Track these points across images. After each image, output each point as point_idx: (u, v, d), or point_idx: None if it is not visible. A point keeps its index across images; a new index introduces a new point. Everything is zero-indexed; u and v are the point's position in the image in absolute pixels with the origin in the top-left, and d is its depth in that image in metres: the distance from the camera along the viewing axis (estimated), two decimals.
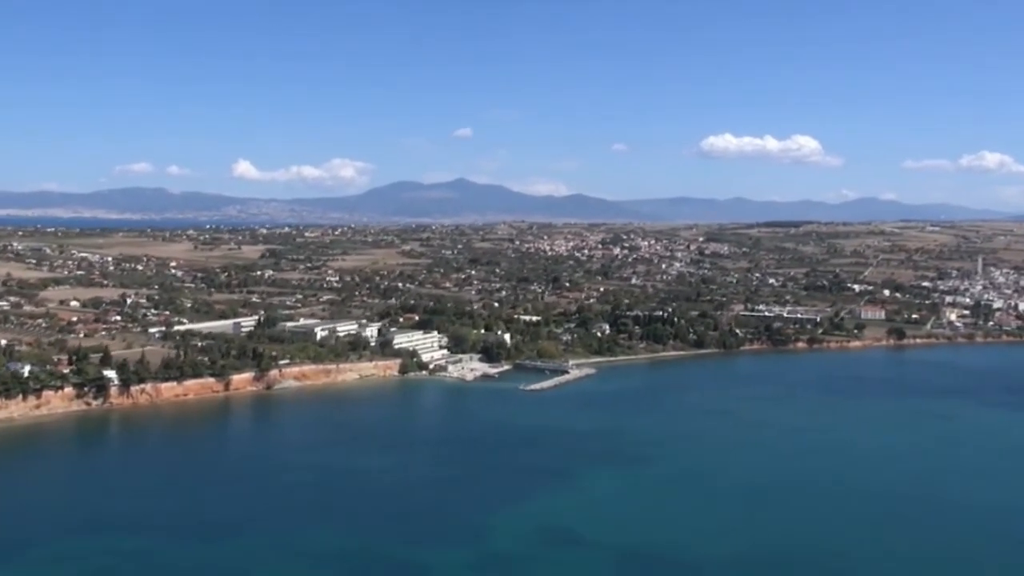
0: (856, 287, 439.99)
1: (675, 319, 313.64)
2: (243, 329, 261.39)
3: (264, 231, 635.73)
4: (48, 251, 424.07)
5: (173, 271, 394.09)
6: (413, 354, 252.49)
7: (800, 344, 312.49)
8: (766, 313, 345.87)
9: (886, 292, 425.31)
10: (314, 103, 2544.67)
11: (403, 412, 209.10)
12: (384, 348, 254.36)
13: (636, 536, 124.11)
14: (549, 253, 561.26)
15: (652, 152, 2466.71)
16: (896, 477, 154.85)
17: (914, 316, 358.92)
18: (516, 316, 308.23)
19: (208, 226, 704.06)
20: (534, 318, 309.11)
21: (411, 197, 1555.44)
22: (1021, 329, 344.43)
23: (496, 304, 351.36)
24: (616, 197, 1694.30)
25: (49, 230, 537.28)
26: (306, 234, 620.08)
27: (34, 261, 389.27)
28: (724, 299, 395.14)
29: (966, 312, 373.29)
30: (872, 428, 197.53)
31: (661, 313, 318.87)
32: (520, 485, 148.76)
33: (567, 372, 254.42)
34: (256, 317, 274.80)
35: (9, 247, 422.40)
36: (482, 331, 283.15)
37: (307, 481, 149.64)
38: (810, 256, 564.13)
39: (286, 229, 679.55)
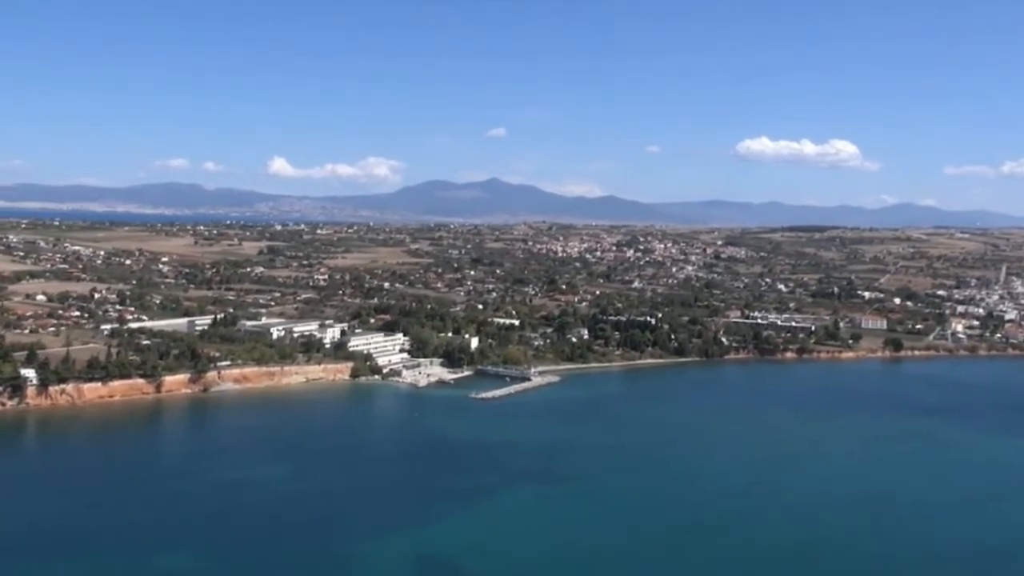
0: (866, 295, 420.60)
1: (658, 325, 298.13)
2: (197, 328, 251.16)
3: (278, 227, 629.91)
4: (43, 244, 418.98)
5: (162, 266, 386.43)
6: (368, 357, 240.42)
7: (789, 354, 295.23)
8: (759, 320, 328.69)
9: (896, 300, 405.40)
10: (350, 102, 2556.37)
11: (334, 419, 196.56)
12: (338, 351, 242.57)
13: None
14: (560, 254, 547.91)
15: (686, 155, 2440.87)
16: (831, 513, 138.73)
17: (917, 326, 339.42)
18: (490, 319, 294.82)
19: (239, 222, 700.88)
20: (510, 321, 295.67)
21: (443, 196, 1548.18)
22: None
23: (480, 306, 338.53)
24: (649, 199, 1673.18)
25: (55, 223, 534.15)
26: (318, 231, 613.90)
27: (22, 254, 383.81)
28: (722, 305, 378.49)
29: (975, 323, 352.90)
30: (831, 448, 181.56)
31: (643, 319, 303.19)
32: (419, 507, 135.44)
33: (528, 379, 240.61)
34: (213, 316, 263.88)
35: (3, 239, 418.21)
36: (449, 334, 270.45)
37: (189, 494, 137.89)
38: (828, 262, 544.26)
39: (301, 226, 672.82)
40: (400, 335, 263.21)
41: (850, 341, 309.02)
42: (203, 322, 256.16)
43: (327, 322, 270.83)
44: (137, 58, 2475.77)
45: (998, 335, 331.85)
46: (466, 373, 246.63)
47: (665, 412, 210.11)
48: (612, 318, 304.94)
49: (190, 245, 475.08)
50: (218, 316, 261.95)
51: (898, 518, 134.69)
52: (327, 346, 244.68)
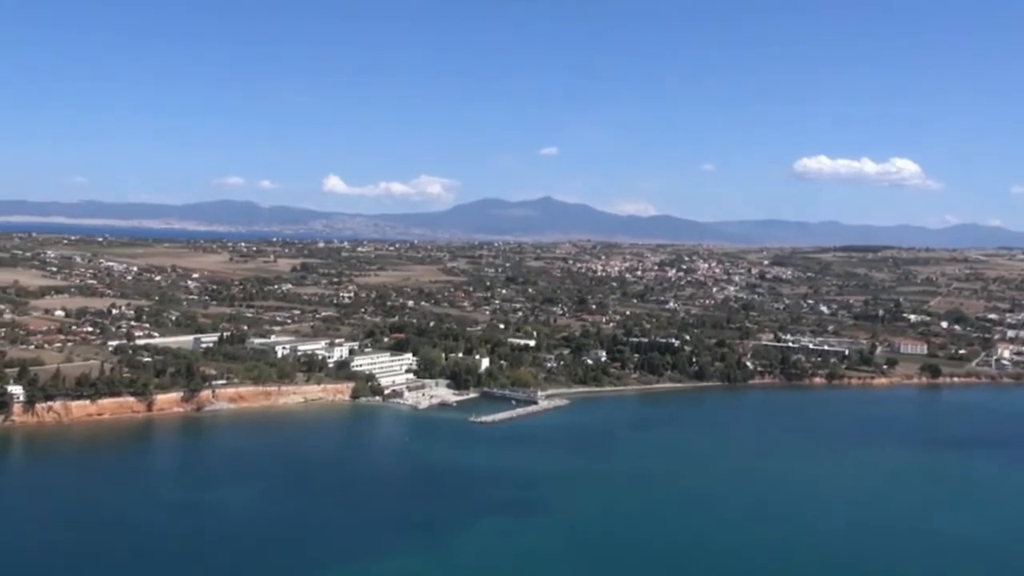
0: (912, 317, 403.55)
1: (679, 348, 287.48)
2: (203, 345, 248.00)
3: (321, 244, 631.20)
4: (78, 260, 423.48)
5: (190, 283, 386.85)
6: (370, 378, 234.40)
7: (817, 379, 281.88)
8: (789, 344, 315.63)
9: (944, 324, 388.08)
10: (404, 120, 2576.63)
11: (321, 442, 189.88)
12: (340, 370, 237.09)
13: None
14: (599, 273, 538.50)
15: (742, 173, 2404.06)
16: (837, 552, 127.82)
17: (960, 351, 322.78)
18: (505, 340, 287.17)
19: (284, 239, 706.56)
20: (525, 342, 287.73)
21: (495, 214, 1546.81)
22: None
23: (502, 325, 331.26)
24: (704, 218, 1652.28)
25: (98, 239, 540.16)
26: (359, 248, 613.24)
27: (54, 269, 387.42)
28: (755, 327, 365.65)
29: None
30: (843, 483, 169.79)
31: (664, 341, 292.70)
32: (377, 537, 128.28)
33: (535, 403, 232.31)
34: (220, 333, 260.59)
35: (41, 255, 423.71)
36: (460, 355, 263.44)
37: (142, 516, 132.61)
38: (878, 283, 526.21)
39: (343, 243, 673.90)
40: (408, 355, 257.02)
41: (884, 366, 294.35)
42: (209, 339, 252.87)
43: (337, 341, 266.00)
44: (196, 80, 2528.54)
45: None
46: (472, 395, 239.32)
47: (671, 440, 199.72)
48: (634, 339, 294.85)
49: (225, 262, 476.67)
50: (224, 334, 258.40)
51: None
52: (330, 365, 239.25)
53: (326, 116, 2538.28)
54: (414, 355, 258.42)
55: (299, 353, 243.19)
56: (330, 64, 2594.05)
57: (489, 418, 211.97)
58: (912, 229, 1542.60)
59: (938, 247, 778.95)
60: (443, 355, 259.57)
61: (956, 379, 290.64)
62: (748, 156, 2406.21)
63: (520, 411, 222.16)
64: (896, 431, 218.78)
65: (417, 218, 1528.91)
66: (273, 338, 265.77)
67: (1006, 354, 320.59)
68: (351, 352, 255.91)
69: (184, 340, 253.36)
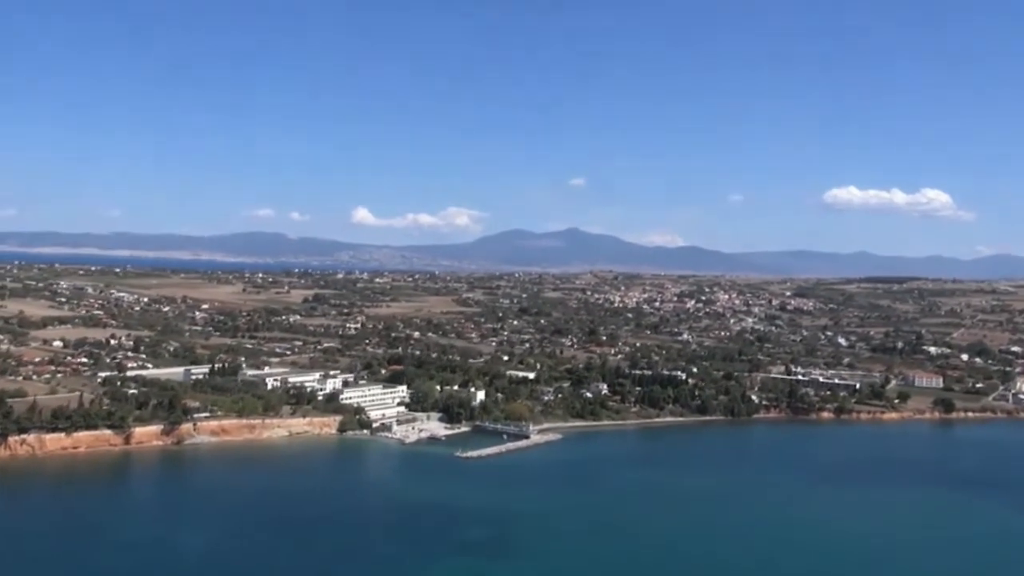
0: (932, 350, 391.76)
1: (683, 381, 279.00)
2: (193, 376, 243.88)
3: (340, 276, 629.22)
4: (90, 290, 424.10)
5: (198, 314, 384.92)
6: (358, 411, 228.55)
7: (825, 414, 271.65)
8: (799, 377, 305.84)
9: (964, 356, 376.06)
10: (432, 152, 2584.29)
11: (297, 477, 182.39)
12: (329, 403, 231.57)
13: None
14: (616, 304, 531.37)
15: (771, 204, 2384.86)
16: None
17: (978, 385, 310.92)
18: (504, 372, 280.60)
19: (304, 270, 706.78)
20: (524, 374, 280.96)
21: (522, 245, 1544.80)
22: None
23: (506, 357, 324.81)
24: (733, 249, 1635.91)
25: (115, 270, 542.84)
26: (377, 279, 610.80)
27: (64, 299, 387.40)
28: (767, 359, 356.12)
29: None
30: (834, 523, 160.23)
31: (667, 373, 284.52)
32: None
33: (527, 437, 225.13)
34: (211, 365, 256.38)
35: (53, 285, 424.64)
36: (455, 387, 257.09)
37: (84, 554, 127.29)
38: (901, 315, 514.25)
39: (363, 274, 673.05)
40: (401, 388, 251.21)
41: (896, 400, 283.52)
42: (200, 371, 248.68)
43: (332, 372, 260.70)
44: (230, 113, 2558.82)
45: None
46: (463, 429, 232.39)
47: (658, 478, 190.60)
48: (637, 372, 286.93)
49: (238, 293, 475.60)
50: (216, 365, 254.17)
51: None
52: (319, 398, 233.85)
53: (356, 148, 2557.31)
54: (408, 387, 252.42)
55: (289, 385, 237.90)
56: (359, 96, 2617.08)
57: (476, 453, 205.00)
58: (944, 260, 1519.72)
59: (969, 278, 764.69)
60: (437, 388, 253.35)
61: (970, 414, 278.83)
62: (777, 187, 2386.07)
63: (510, 446, 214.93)
64: (898, 469, 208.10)
65: (444, 249, 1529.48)
66: (267, 369, 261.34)
67: None
68: (344, 384, 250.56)
69: (175, 372, 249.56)
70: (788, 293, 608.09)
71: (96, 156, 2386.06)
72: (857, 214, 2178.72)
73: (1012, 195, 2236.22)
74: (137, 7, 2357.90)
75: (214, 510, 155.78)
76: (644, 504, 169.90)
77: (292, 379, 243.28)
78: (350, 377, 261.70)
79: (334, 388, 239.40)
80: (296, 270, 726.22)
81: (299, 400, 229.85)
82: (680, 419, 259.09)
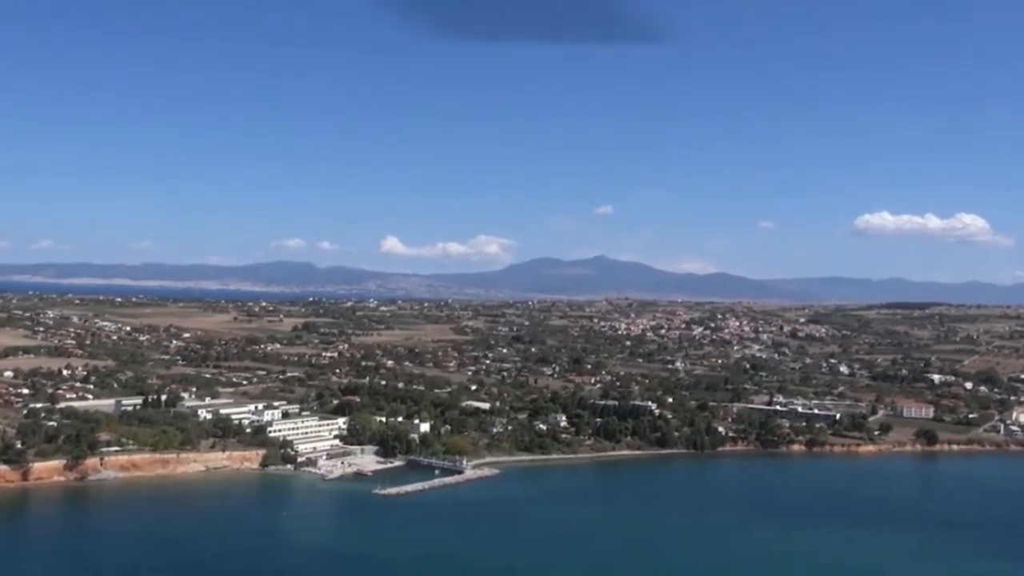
0: (936, 377, 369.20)
1: (647, 412, 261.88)
2: (124, 407, 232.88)
3: (348, 304, 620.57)
4: (75, 320, 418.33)
5: (175, 343, 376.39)
6: (284, 444, 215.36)
7: (796, 447, 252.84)
8: (777, 407, 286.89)
9: (968, 385, 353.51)
10: (462, 181, 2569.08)
11: (185, 518, 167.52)
12: (255, 436, 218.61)
13: None
14: (620, 332, 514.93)
15: (801, 230, 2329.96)
16: None
17: (971, 415, 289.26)
18: (457, 403, 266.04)
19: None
20: (479, 405, 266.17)
21: (550, 274, 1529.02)
22: None
23: (473, 387, 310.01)
24: (763, 276, 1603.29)
25: (117, 300, 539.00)
26: (382, 308, 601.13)
27: (42, 329, 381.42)
28: (753, 388, 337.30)
29: None
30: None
31: (628, 404, 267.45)
32: None
33: (460, 472, 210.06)
34: (145, 396, 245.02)
35: (39, 314, 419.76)
36: (400, 419, 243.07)
37: None
38: (915, 341, 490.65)
39: (371, 302, 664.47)
40: (340, 419, 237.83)
41: (876, 432, 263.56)
42: (132, 402, 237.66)
43: (275, 404, 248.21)
44: (259, 146, 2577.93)
45: None
46: (397, 463, 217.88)
47: (582, 517, 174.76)
48: (600, 403, 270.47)
49: (228, 321, 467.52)
50: (149, 397, 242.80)
51: None
52: (248, 431, 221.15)
53: (386, 178, 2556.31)
54: (348, 419, 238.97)
55: (222, 417, 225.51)
56: (390, 127, 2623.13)
57: (395, 490, 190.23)
58: (981, 286, 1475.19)
59: (1008, 304, 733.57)
60: (379, 419, 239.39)
61: (955, 447, 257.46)
62: (807, 213, 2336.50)
63: (436, 482, 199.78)
64: (854, 507, 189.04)
65: (472, 278, 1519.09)
66: (208, 400, 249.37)
67: (1023, 418, 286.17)
68: (284, 416, 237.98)
69: (107, 404, 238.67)
70: (802, 320, 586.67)
71: (128, 186, 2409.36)
72: (890, 239, 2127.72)
73: None
74: (167, 35, 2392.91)
75: (69, 554, 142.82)
76: (550, 547, 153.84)
77: (225, 411, 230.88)
78: (295, 408, 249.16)
79: (264, 420, 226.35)
80: (311, 298, 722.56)
81: (225, 433, 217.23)
82: (638, 452, 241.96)
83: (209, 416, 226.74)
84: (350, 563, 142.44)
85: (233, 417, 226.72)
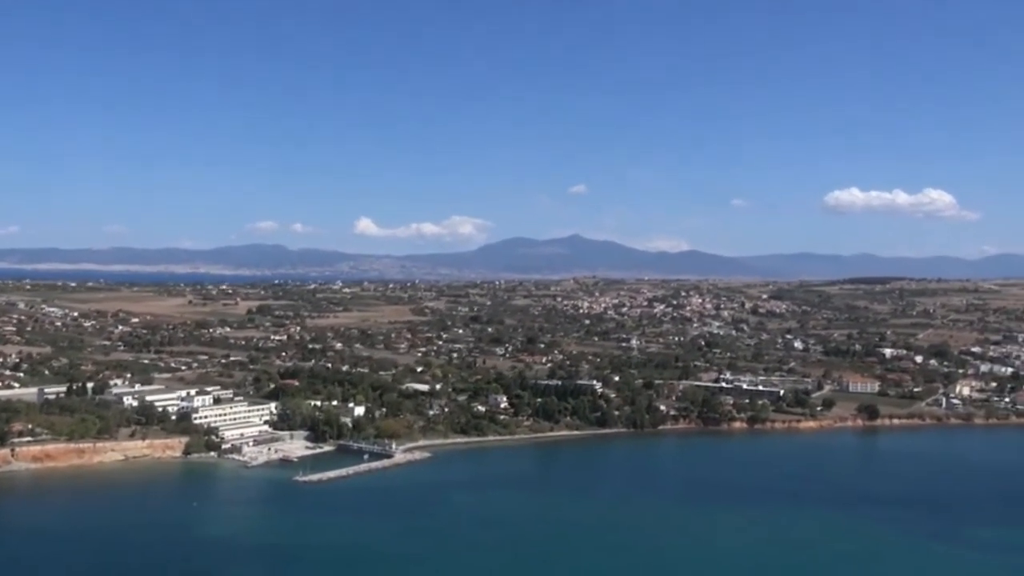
0: (888, 352, 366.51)
1: (589, 391, 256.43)
2: (46, 395, 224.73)
3: (312, 286, 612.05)
4: (21, 306, 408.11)
5: (121, 328, 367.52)
6: (209, 431, 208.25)
7: (738, 424, 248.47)
8: (723, 385, 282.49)
9: (919, 359, 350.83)
10: (436, 161, 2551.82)
11: (91, 509, 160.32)
12: (179, 423, 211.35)
13: None
14: (582, 310, 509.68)
15: (773, 207, 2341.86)
16: None
17: (916, 389, 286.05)
18: (396, 386, 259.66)
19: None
20: (418, 387, 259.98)
21: (524, 253, 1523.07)
22: None
23: (420, 368, 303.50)
24: (736, 253, 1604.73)
25: (72, 284, 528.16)
26: (345, 289, 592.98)
27: None
28: (703, 365, 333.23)
29: (993, 384, 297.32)
30: (681, 556, 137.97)
31: (570, 384, 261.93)
32: None
33: (390, 457, 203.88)
34: (69, 384, 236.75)
35: None
36: (334, 403, 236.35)
37: None
38: (872, 316, 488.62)
39: (337, 283, 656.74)
40: (270, 404, 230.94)
41: (819, 408, 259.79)
42: (56, 390, 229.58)
43: (208, 389, 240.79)
44: (232, 125, 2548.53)
45: (1006, 400, 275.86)
46: (327, 448, 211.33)
47: (504, 501, 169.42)
48: (541, 383, 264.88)
49: (183, 305, 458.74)
50: (74, 385, 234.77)
51: None
52: (173, 418, 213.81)
53: (358, 159, 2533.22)
54: (279, 404, 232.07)
55: (147, 404, 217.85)
56: (362, 107, 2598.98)
57: (316, 477, 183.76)
58: (949, 260, 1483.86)
59: (975, 278, 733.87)
60: (312, 404, 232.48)
61: (896, 421, 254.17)
62: (778, 190, 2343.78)
63: (361, 468, 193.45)
64: (789, 484, 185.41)
65: (446, 258, 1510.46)
66: (137, 387, 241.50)
67: (966, 391, 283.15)
68: (216, 401, 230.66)
69: (31, 392, 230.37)
70: (765, 296, 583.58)
71: (96, 171, 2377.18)
72: (860, 216, 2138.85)
73: (1016, 194, 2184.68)
74: (133, 19, 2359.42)
75: None
76: (463, 533, 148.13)
77: (151, 398, 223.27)
78: (229, 394, 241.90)
79: (189, 407, 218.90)
80: (277, 281, 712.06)
81: (148, 420, 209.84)
82: (577, 432, 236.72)
83: (136, 404, 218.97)
84: (251, 553, 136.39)
85: (160, 404, 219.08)
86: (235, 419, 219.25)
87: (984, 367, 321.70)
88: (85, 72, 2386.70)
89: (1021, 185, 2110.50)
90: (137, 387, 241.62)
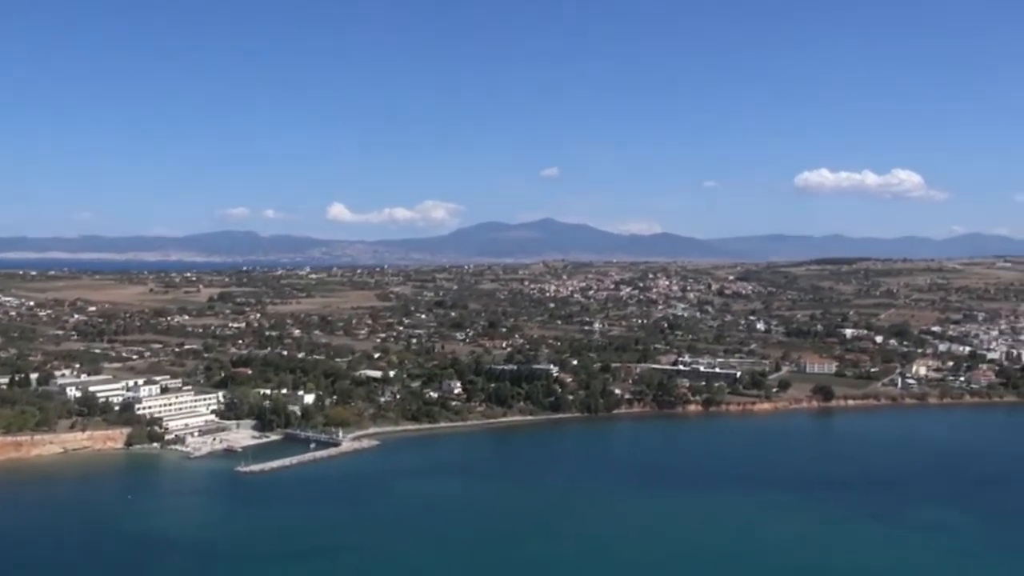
0: (848, 332, 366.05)
1: (544, 376, 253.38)
2: None
3: (280, 272, 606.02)
4: None
5: (78, 317, 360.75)
6: (152, 422, 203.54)
7: (693, 407, 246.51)
8: (680, 367, 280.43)
9: (879, 338, 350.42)
10: (408, 146, 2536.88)
11: (21, 505, 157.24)
12: (122, 414, 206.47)
13: None
14: (548, 294, 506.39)
15: (744, 189, 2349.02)
16: None
17: (873, 370, 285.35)
18: (349, 373, 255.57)
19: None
20: (372, 374, 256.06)
21: (496, 237, 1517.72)
22: (991, 389, 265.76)
23: (377, 355, 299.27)
24: (709, 235, 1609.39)
25: (33, 273, 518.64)
26: (312, 275, 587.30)
27: None
28: (664, 348, 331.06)
29: (950, 364, 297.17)
30: (617, 545, 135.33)
31: (525, 368, 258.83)
32: None
33: (337, 445, 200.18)
34: (11, 375, 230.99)
35: None
36: (284, 391, 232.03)
37: None
38: (836, 296, 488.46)
39: (307, 270, 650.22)
40: (218, 393, 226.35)
41: (775, 390, 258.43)
42: None
43: (157, 378, 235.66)
44: (202, 111, 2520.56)
45: (960, 379, 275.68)
46: (274, 438, 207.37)
47: (450, 489, 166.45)
48: (497, 368, 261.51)
49: (144, 293, 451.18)
50: (16, 375, 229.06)
51: None
52: (116, 409, 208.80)
53: (330, 145, 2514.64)
54: (226, 393, 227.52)
55: (90, 394, 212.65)
56: (334, 91, 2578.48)
57: (258, 467, 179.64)
58: (917, 240, 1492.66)
59: (942, 257, 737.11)
60: (263, 392, 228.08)
61: (851, 402, 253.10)
62: (749, 172, 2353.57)
63: (306, 457, 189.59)
64: (729, 468, 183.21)
65: (418, 243, 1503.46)
66: (84, 377, 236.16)
67: (922, 371, 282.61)
68: (164, 391, 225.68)
69: None
70: (731, 277, 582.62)
71: (66, 158, 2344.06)
72: (830, 196, 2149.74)
73: (982, 175, 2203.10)
74: (101, 3, 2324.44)
75: None
76: (401, 522, 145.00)
77: (95, 388, 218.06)
78: (178, 383, 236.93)
79: (134, 397, 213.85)
80: (247, 268, 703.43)
81: (91, 411, 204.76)
82: (530, 417, 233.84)
83: (79, 394, 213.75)
84: (176, 547, 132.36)
85: (103, 395, 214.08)
86: (180, 409, 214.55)
87: (943, 346, 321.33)
88: (52, 59, 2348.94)
89: (988, 165, 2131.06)
90: (84, 377, 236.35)
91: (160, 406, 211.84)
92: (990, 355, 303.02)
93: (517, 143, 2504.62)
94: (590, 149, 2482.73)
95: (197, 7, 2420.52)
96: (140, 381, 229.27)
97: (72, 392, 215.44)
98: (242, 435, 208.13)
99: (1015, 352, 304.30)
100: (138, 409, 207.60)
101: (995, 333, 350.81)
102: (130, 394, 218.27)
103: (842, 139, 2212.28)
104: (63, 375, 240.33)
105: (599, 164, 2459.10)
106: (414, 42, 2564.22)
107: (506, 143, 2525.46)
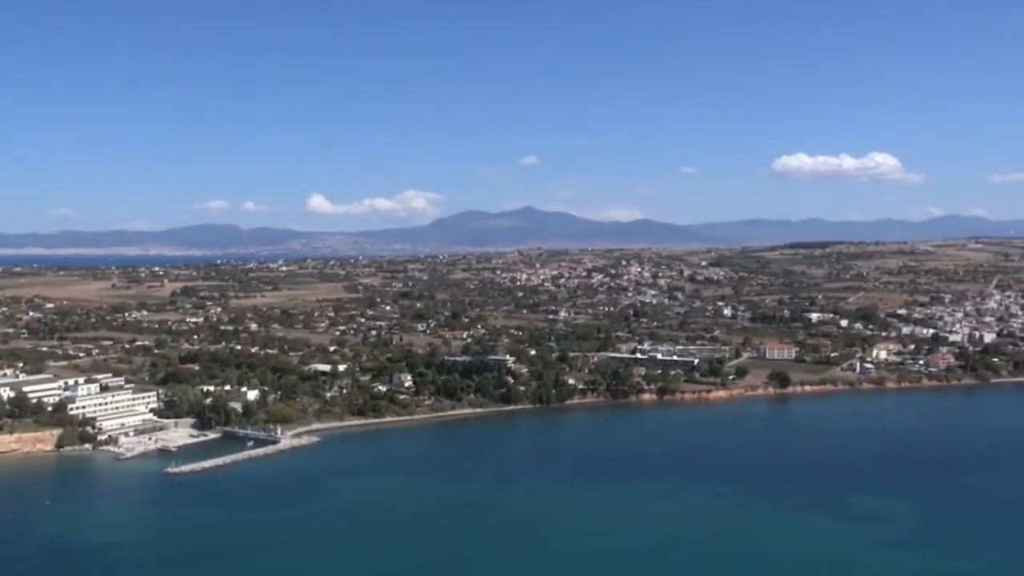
0: (814, 316, 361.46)
1: (495, 367, 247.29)
2: None
3: (252, 265, 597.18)
4: None
5: (33, 314, 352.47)
6: (84, 422, 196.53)
7: (647, 396, 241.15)
8: (638, 355, 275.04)
9: (844, 323, 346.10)
10: (388, 136, 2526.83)
11: None
12: (55, 414, 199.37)
13: None
14: (519, 283, 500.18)
15: (723, 174, 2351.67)
16: None
17: (832, 354, 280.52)
18: (296, 368, 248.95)
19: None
20: (320, 368, 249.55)
21: (477, 227, 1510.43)
22: (950, 372, 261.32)
23: (332, 348, 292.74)
24: (688, 221, 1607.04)
25: None
26: (283, 268, 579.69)
27: None
28: (626, 335, 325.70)
29: (912, 347, 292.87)
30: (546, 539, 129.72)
31: (474, 360, 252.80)
32: None
33: (275, 443, 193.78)
34: None
35: None
36: (226, 388, 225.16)
37: None
38: (807, 280, 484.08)
39: (279, 263, 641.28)
40: (156, 391, 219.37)
41: (732, 377, 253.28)
42: None
43: (98, 376, 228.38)
44: (181, 106, 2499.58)
45: (919, 363, 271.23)
46: (212, 436, 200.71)
47: (391, 489, 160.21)
48: (450, 359, 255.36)
49: (107, 289, 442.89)
50: None
51: None
52: (48, 409, 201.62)
53: (310, 136, 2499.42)
54: (165, 391, 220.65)
55: (21, 395, 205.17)
56: (313, 83, 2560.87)
57: (188, 468, 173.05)
58: (894, 223, 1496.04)
59: (918, 240, 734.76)
60: (206, 389, 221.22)
61: (808, 388, 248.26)
62: (728, 157, 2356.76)
63: (241, 456, 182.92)
64: (673, 459, 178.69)
65: (399, 233, 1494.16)
66: (21, 377, 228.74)
67: (883, 355, 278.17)
68: (104, 389, 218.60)
69: None
70: (704, 263, 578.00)
71: (44, 153, 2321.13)
72: (808, 181, 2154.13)
73: (958, 157, 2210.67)
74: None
75: None
76: (325, 521, 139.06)
77: (28, 388, 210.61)
78: (119, 381, 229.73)
79: (69, 396, 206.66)
80: (219, 261, 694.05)
81: (22, 412, 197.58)
82: (481, 411, 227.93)
83: (11, 394, 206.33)
84: (88, 553, 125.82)
85: (38, 395, 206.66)
86: (117, 408, 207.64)
87: (907, 329, 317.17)
88: (29, 54, 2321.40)
89: (963, 147, 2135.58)
90: (22, 377, 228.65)
91: (95, 406, 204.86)
92: (952, 337, 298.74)
93: (495, 132, 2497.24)
94: (570, 138, 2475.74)
95: (168, 4, 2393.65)
96: (81, 380, 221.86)
97: (4, 392, 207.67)
98: (179, 434, 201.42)
99: (977, 334, 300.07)
100: (71, 409, 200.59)
101: (960, 315, 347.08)
102: (66, 394, 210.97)
103: (820, 123, 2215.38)
104: (3, 375, 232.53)
105: (579, 153, 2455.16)
106: (391, 32, 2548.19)
107: (486, 132, 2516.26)
